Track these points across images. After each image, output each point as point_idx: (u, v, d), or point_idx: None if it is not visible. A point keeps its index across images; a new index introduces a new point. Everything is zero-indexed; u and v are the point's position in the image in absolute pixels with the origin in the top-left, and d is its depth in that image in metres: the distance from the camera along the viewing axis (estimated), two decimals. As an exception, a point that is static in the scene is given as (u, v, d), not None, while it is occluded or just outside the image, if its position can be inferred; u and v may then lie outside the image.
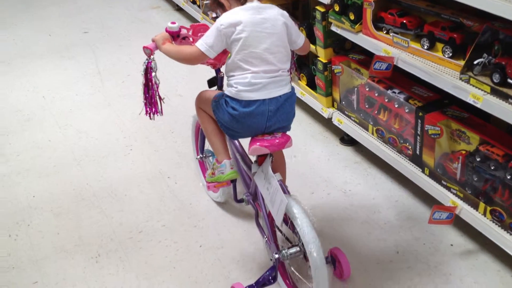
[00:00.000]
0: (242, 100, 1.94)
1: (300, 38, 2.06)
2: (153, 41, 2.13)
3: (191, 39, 2.18)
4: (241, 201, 2.36)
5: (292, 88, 2.04)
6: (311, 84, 3.13)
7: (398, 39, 2.40)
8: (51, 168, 3.04)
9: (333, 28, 2.75)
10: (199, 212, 2.63)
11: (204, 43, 1.93)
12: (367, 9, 2.51)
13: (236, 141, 2.29)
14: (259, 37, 1.91)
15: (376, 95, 2.62)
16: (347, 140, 3.00)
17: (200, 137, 2.64)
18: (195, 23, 2.24)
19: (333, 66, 2.88)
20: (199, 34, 2.17)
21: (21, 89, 3.91)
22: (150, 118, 2.20)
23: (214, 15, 4.26)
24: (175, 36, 2.15)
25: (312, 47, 3.00)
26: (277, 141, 1.97)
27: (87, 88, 3.87)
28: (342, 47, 2.94)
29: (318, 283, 1.86)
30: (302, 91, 3.19)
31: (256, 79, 1.92)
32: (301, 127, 3.21)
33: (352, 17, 2.60)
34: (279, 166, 2.18)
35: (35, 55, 4.41)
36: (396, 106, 2.51)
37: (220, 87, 2.33)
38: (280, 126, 2.01)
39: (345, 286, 2.16)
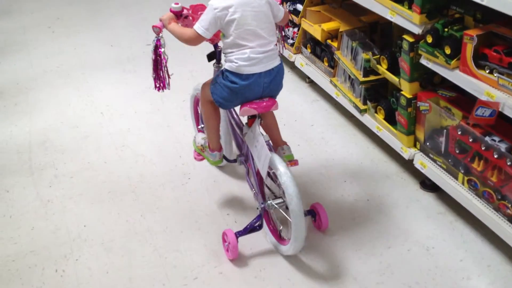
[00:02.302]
0: (243, 74, 2.19)
1: (280, 11, 2.31)
2: (160, 20, 2.35)
3: (190, 18, 2.38)
4: (234, 161, 2.66)
5: (281, 60, 2.32)
6: (390, 119, 2.82)
7: (504, 81, 2.06)
8: (105, 195, 2.86)
9: (423, 62, 2.44)
10: (261, 260, 2.38)
11: (201, 26, 2.18)
12: (468, 44, 2.18)
13: (232, 110, 2.56)
14: (250, 16, 2.15)
15: (470, 140, 2.28)
16: (429, 185, 2.66)
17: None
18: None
19: (418, 103, 2.56)
20: (199, 12, 2.35)
21: (79, 103, 3.77)
22: (159, 91, 2.46)
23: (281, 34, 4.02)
24: (178, 15, 2.37)
25: (395, 79, 2.69)
26: (264, 103, 2.26)
27: (146, 106, 3.70)
28: (430, 81, 2.62)
29: (296, 228, 2.15)
30: (379, 126, 2.88)
31: (254, 54, 2.17)
32: (374, 164, 2.91)
33: (448, 51, 2.28)
34: (271, 128, 2.51)
35: (96, 67, 4.29)
36: (495, 156, 2.17)
37: (219, 60, 2.49)
38: (271, 94, 2.30)
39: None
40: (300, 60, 3.72)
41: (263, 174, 2.26)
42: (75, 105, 3.75)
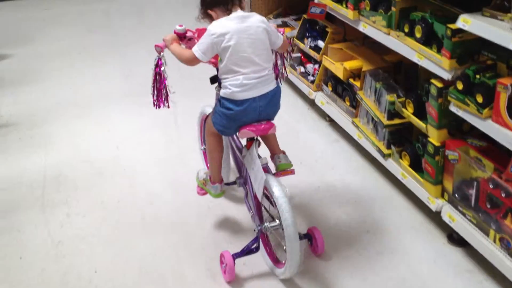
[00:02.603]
0: (237, 100, 2.25)
1: (279, 39, 2.38)
2: (163, 40, 2.44)
3: (196, 41, 2.38)
4: (233, 183, 2.67)
5: (277, 84, 2.38)
6: (415, 165, 2.70)
7: (542, 135, 1.94)
8: (117, 236, 2.76)
9: (453, 109, 2.33)
10: (257, 283, 2.32)
11: (199, 49, 2.25)
12: (501, 93, 2.07)
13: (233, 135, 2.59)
14: (245, 43, 2.22)
15: (503, 195, 2.15)
16: (457, 239, 2.52)
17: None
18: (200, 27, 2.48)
19: (447, 151, 2.44)
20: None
21: (94, 136, 3.71)
22: (156, 108, 2.53)
23: (302, 69, 3.94)
24: (182, 37, 2.46)
25: (421, 124, 2.58)
26: (263, 127, 2.30)
27: (162, 140, 3.62)
28: (459, 129, 2.50)
29: (291, 252, 2.17)
30: (403, 172, 2.76)
31: (247, 80, 2.23)
32: (397, 212, 2.78)
33: (479, 99, 2.17)
34: (268, 137, 2.54)
35: (112, 98, 4.24)
36: (531, 214, 2.04)
37: (220, 83, 2.42)
38: (268, 117, 2.35)
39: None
40: (321, 98, 3.63)
41: (259, 195, 2.31)
42: (91, 138, 3.69)
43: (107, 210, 2.96)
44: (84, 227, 2.84)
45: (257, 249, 2.41)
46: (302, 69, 3.91)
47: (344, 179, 3.12)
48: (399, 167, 2.80)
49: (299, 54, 3.96)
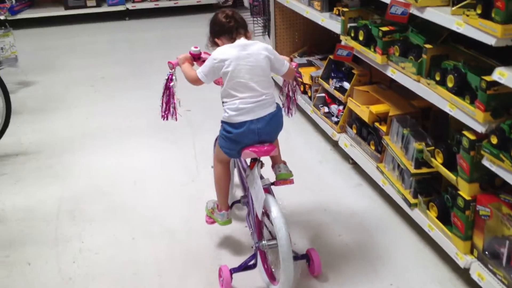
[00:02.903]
0: (234, 123, 2.38)
1: (284, 66, 2.50)
2: (177, 58, 2.60)
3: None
4: (238, 201, 2.80)
5: (277, 107, 2.47)
6: (443, 217, 2.57)
7: None
8: (128, 276, 2.67)
9: (486, 163, 2.22)
10: None
11: (201, 72, 2.42)
12: (539, 151, 1.97)
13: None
14: (243, 70, 2.35)
15: (539, 258, 2.03)
16: (487, 299, 2.38)
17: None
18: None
19: (478, 206, 2.33)
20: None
21: (114, 168, 3.67)
22: (163, 120, 2.67)
23: (326, 109, 3.87)
24: (196, 58, 2.61)
25: (451, 176, 2.47)
26: (265, 148, 2.40)
27: (181, 177, 3.55)
28: (491, 183, 2.39)
29: (285, 270, 2.23)
30: (430, 224, 2.64)
31: (243, 105, 2.35)
32: (424, 266, 2.65)
33: (515, 156, 2.07)
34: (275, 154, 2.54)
35: (134, 131, 4.21)
36: None
37: None
38: (269, 139, 2.44)
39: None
40: (345, 140, 3.54)
41: (258, 213, 2.40)
42: (109, 171, 3.64)
43: (121, 248, 2.88)
44: (95, 264, 2.76)
45: (254, 265, 2.51)
46: (326, 109, 3.84)
47: (367, 228, 3.00)
48: (426, 218, 2.68)
49: (323, 94, 3.90)
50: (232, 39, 2.43)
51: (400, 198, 2.91)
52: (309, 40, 4.79)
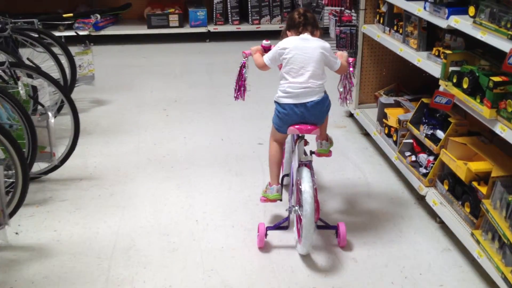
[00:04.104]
0: (281, 103, 2.80)
1: (336, 64, 2.89)
2: (250, 49, 3.01)
3: None
4: (287, 175, 3.19)
5: (323, 96, 2.83)
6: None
7: None
8: (179, 336, 2.39)
9: None
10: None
11: (267, 57, 2.87)
12: None
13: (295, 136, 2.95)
14: (299, 58, 2.76)
15: None
16: None
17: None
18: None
19: None
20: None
21: (175, 204, 3.43)
22: (236, 100, 3.09)
23: (413, 158, 3.45)
24: (267, 50, 3.00)
25: None
26: (308, 128, 2.77)
27: (246, 219, 3.25)
28: None
29: (305, 235, 2.70)
30: None
31: (290, 89, 2.75)
32: None
33: None
34: (320, 129, 2.95)
35: (202, 162, 3.98)
36: None
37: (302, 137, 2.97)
38: (312, 122, 2.80)
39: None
40: (433, 197, 3.11)
41: (293, 182, 2.88)
42: (171, 206, 3.41)
43: (174, 300, 2.61)
44: (145, 317, 2.50)
45: (287, 227, 2.99)
46: (413, 158, 3.43)
47: (455, 304, 2.56)
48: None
49: (411, 141, 3.48)
50: (298, 33, 2.86)
51: (499, 277, 2.45)
52: (397, 77, 4.40)
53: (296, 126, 2.78)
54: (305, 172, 2.72)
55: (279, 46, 2.83)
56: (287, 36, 2.91)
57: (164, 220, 3.26)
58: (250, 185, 3.61)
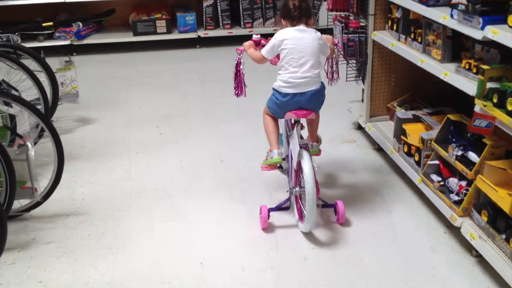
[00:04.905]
0: (281, 92, 2.97)
1: (327, 49, 3.08)
2: (243, 45, 3.14)
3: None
4: (284, 159, 3.28)
5: (321, 85, 3.03)
6: None
7: None
8: None
9: None
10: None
11: (265, 50, 3.03)
12: None
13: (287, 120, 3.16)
14: (298, 49, 2.92)
15: None
16: None
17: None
18: None
19: None
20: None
21: (175, 243, 3.04)
22: (237, 97, 3.20)
23: (441, 182, 3.09)
24: (257, 43, 3.18)
25: None
26: (303, 112, 2.98)
27: (256, 261, 2.88)
28: None
29: (309, 213, 2.82)
30: None
31: (292, 79, 2.93)
32: None
33: None
34: (311, 125, 3.25)
35: (201, 189, 3.59)
36: None
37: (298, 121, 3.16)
38: (309, 108, 3.00)
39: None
40: (470, 229, 2.76)
41: (294, 164, 2.98)
42: (170, 245, 3.02)
43: None
44: None
45: (288, 207, 3.10)
46: (441, 181, 3.07)
47: None
48: None
49: (437, 162, 3.12)
50: (293, 24, 2.98)
51: None
52: (410, 87, 4.03)
53: (292, 112, 2.94)
54: (305, 154, 2.85)
55: (276, 38, 2.94)
56: (281, 22, 3.05)
57: (164, 263, 2.87)
58: (257, 216, 3.23)
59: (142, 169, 3.87)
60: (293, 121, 3.11)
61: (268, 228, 3.08)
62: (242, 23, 6.76)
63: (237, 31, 6.73)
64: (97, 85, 5.56)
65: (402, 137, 3.48)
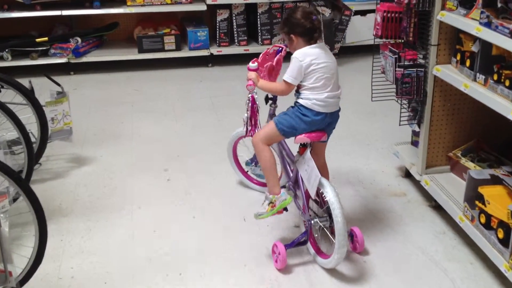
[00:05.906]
0: (315, 111, 2.74)
1: None
2: (251, 80, 2.83)
3: (260, 68, 2.90)
4: (283, 187, 2.95)
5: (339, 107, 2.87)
6: None
7: None
8: None
9: None
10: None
11: (290, 76, 2.73)
12: None
13: (284, 143, 3.00)
14: (328, 67, 2.74)
15: None
16: None
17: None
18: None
19: None
20: (265, 65, 2.91)
21: None
22: (247, 136, 3.02)
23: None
24: (255, 71, 2.89)
25: None
26: (315, 134, 2.77)
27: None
28: None
29: (339, 245, 2.58)
30: None
31: (328, 98, 2.75)
32: None
33: None
34: (319, 156, 2.96)
35: (220, 266, 2.86)
36: None
37: (275, 101, 3.05)
38: (328, 131, 2.86)
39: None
40: None
41: (313, 193, 2.70)
42: None
43: None
44: None
45: (305, 241, 2.84)
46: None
47: None
48: None
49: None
50: (308, 43, 2.75)
51: None
52: (476, 132, 3.30)
53: (304, 135, 2.77)
54: (323, 179, 2.69)
55: (302, 60, 2.71)
56: (290, 40, 2.78)
57: None
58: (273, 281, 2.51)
59: (147, 232, 3.14)
60: (301, 145, 2.86)
61: (284, 268, 2.77)
62: (259, 39, 6.05)
63: (254, 48, 6.02)
64: (95, 113, 4.84)
65: (477, 202, 2.75)
